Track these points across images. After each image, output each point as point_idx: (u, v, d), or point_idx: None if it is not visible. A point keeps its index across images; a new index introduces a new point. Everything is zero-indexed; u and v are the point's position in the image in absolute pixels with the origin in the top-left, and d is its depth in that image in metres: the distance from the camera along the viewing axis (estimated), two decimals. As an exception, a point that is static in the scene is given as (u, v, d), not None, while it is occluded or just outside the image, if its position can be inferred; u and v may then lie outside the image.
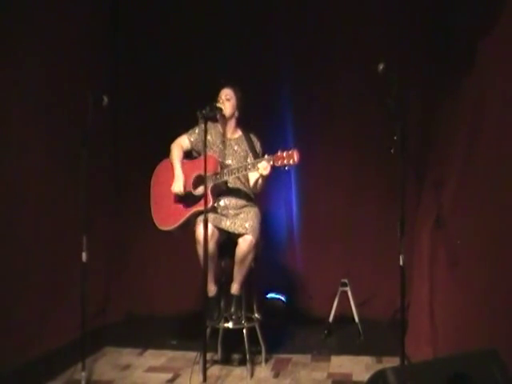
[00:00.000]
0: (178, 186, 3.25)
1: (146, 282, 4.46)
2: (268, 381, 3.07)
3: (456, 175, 2.96)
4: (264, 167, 3.00)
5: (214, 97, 3.31)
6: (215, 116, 3.23)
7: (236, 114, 3.35)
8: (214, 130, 3.37)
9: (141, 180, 3.58)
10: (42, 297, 3.37)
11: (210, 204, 3.08)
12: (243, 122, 3.44)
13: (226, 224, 3.13)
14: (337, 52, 4.17)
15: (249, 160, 3.28)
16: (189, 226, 3.24)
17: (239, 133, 3.41)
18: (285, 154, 2.94)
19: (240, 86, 3.36)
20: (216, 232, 3.08)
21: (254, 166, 3.06)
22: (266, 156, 3.04)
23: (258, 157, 3.25)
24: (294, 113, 4.25)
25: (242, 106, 3.36)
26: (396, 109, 2.66)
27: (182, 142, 3.39)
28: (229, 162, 3.32)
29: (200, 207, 3.11)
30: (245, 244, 3.07)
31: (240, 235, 3.09)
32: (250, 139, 3.37)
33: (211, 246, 3.03)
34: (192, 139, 3.38)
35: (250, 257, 3.10)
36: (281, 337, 3.78)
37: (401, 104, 2.67)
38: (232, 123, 3.38)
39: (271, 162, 2.98)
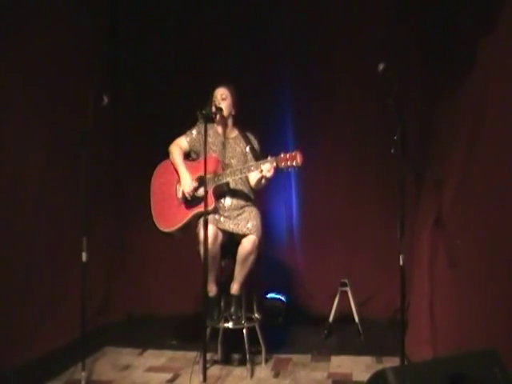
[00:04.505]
0: (187, 186, 3.23)
1: (146, 282, 4.46)
2: (268, 381, 3.07)
3: (456, 175, 2.96)
4: (267, 169, 3.01)
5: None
6: (215, 116, 3.23)
7: (233, 112, 3.36)
8: (211, 131, 3.36)
9: (141, 180, 3.58)
10: (42, 297, 3.37)
11: (212, 206, 3.08)
12: (242, 122, 3.44)
13: (230, 226, 3.13)
14: (337, 52, 4.17)
15: (249, 158, 3.30)
16: (190, 227, 3.24)
17: (236, 132, 3.42)
18: (288, 156, 2.95)
19: (234, 85, 3.37)
20: (219, 234, 3.09)
21: (258, 167, 3.06)
22: (269, 158, 3.04)
23: (256, 155, 3.26)
24: (294, 113, 4.25)
25: (238, 103, 3.36)
26: (396, 109, 2.66)
27: (181, 143, 3.39)
28: (229, 161, 3.32)
29: (201, 209, 3.09)
30: (248, 244, 3.07)
31: (244, 235, 3.10)
32: (247, 137, 3.37)
33: (215, 247, 3.03)
34: (190, 140, 3.38)
35: (253, 257, 3.10)
36: (281, 337, 3.78)
37: (401, 104, 2.67)
38: (229, 122, 3.39)
39: (274, 164, 2.98)
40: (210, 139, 3.31)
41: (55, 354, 3.28)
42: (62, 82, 3.57)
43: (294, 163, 2.93)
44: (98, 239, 3.73)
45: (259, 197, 3.48)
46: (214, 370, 3.20)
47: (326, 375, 3.11)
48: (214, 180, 3.15)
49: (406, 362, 2.76)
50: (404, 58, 3.85)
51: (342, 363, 3.30)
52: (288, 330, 3.95)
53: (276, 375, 3.14)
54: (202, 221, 3.06)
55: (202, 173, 3.04)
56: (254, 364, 3.23)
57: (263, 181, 3.19)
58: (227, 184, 3.26)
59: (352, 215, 4.26)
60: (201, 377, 2.90)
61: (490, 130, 2.59)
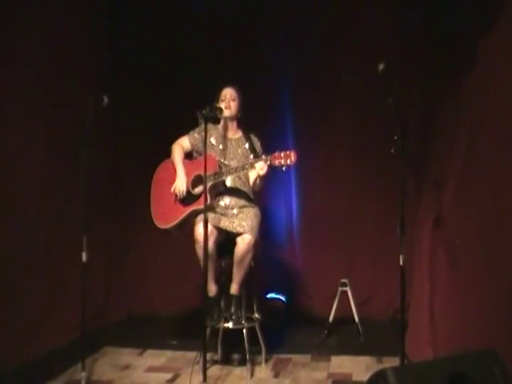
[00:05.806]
0: (180, 185, 3.25)
1: (146, 282, 4.46)
2: (268, 381, 3.07)
3: (456, 175, 2.96)
4: (261, 167, 3.02)
5: (215, 97, 3.32)
6: (215, 116, 3.23)
7: (239, 114, 3.37)
8: (214, 131, 3.38)
9: (140, 180, 3.59)
10: (42, 297, 3.37)
11: (208, 203, 3.08)
12: (244, 122, 3.44)
13: (225, 223, 3.13)
14: (337, 52, 4.17)
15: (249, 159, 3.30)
16: (187, 224, 3.24)
17: (240, 133, 3.42)
18: (282, 154, 2.97)
19: (240, 86, 3.37)
20: (214, 231, 3.08)
21: (252, 165, 3.08)
22: (263, 156, 3.05)
23: (257, 157, 3.26)
24: (295, 113, 4.25)
25: (244, 105, 3.37)
26: (396, 109, 2.66)
27: (183, 143, 3.40)
28: (229, 162, 3.32)
29: (198, 206, 3.12)
30: (243, 243, 3.07)
31: (238, 234, 3.10)
32: (250, 139, 3.37)
33: (210, 245, 3.03)
34: (192, 140, 3.39)
35: (249, 256, 3.10)
36: (281, 337, 3.78)
37: (401, 104, 2.67)
38: (234, 124, 3.40)
39: (268, 162, 3.00)
40: (212, 140, 3.33)
41: (55, 354, 3.28)
42: (61, 81, 3.57)
43: (288, 161, 2.95)
44: (98, 239, 3.72)
45: (260, 197, 3.48)
46: (214, 370, 3.20)
47: (326, 375, 3.11)
48: (211, 179, 3.15)
49: (406, 362, 2.76)
50: (404, 58, 3.85)
51: (342, 363, 3.30)
52: (288, 330, 3.95)
53: (276, 375, 3.14)
54: (198, 219, 3.09)
55: (199, 171, 3.05)
56: (253, 364, 3.23)
57: (258, 180, 3.21)
58: (224, 183, 3.26)
59: (352, 215, 4.26)
60: (201, 377, 2.89)
61: (490, 130, 2.59)
